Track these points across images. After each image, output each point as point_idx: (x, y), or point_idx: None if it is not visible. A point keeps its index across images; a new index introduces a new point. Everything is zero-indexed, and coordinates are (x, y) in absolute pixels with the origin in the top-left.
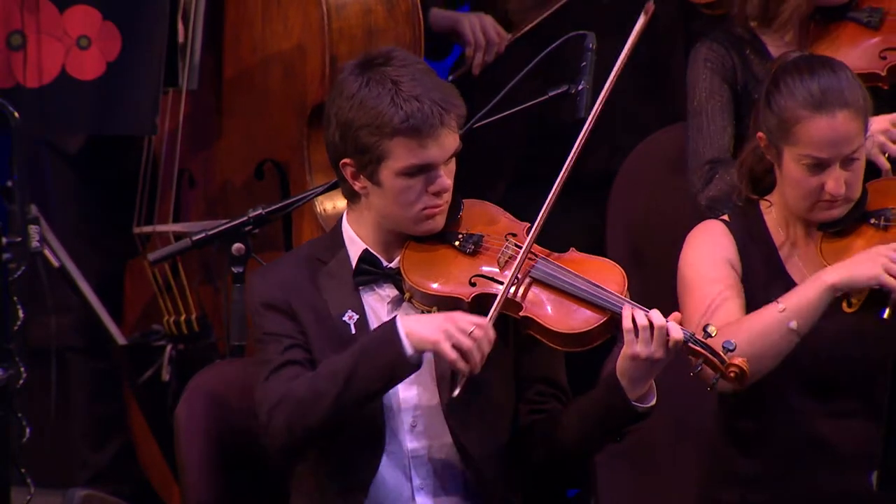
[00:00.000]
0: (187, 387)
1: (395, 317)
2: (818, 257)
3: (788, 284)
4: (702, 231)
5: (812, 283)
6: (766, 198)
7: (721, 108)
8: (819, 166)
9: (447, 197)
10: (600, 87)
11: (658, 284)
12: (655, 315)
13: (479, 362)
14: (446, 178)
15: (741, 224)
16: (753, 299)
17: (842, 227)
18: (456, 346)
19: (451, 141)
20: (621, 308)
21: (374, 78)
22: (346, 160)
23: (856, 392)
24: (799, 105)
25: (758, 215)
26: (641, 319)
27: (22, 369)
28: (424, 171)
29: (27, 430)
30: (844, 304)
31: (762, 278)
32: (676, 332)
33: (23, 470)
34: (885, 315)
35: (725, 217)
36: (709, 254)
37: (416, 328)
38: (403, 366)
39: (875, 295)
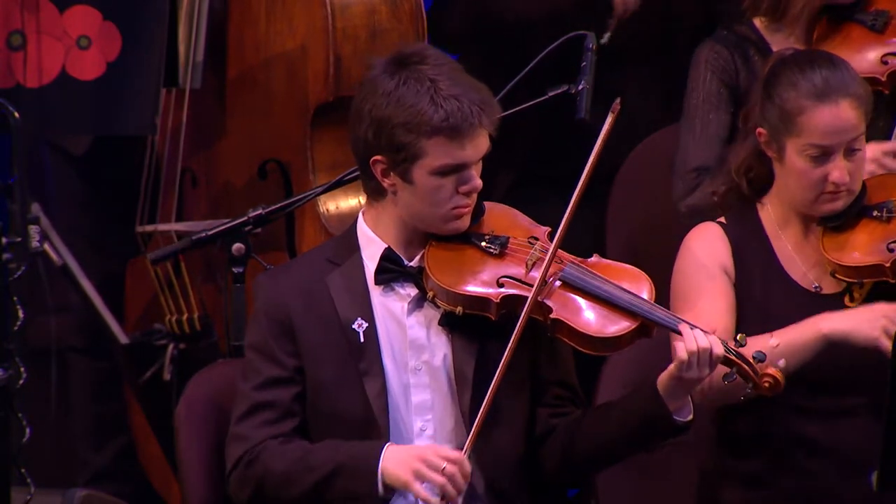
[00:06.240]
0: (188, 386)
1: (383, 446)
2: (820, 253)
3: (788, 285)
4: (697, 236)
5: (808, 326)
6: (762, 199)
7: (716, 115)
8: (823, 156)
9: (475, 197)
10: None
11: (658, 285)
12: (710, 339)
13: (456, 495)
14: (478, 179)
15: (738, 226)
16: (750, 302)
17: (843, 220)
18: (429, 482)
19: (484, 141)
20: (653, 315)
21: (411, 76)
22: (378, 157)
23: (855, 392)
24: (802, 95)
25: (754, 216)
26: (703, 342)
27: (22, 369)
28: (458, 170)
29: (27, 430)
30: (847, 299)
31: (760, 281)
32: (718, 349)
33: (23, 470)
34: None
35: (722, 219)
36: (703, 266)
37: (390, 466)
38: (372, 499)
39: (877, 290)
